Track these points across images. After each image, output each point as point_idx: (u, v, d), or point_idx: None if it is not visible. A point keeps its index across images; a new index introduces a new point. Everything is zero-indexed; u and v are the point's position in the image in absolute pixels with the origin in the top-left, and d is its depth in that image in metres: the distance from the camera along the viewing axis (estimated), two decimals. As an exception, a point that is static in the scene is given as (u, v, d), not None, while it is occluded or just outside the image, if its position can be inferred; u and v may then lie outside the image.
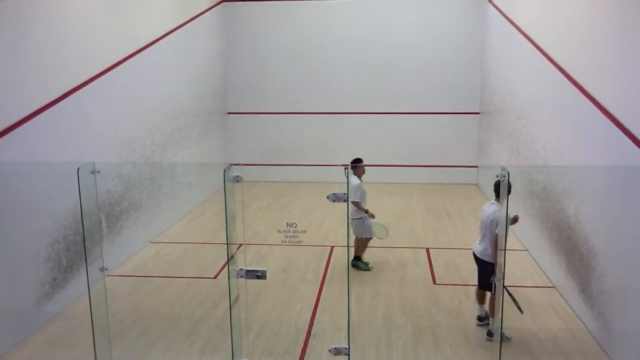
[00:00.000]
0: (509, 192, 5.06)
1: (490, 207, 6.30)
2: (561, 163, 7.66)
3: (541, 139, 8.59)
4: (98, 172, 5.31)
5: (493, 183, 6.23)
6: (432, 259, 8.74)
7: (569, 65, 7.53)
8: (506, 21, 11.05)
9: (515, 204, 9.20)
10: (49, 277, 6.74)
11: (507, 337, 6.07)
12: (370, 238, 8.35)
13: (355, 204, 8.05)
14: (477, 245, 6.43)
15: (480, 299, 6.59)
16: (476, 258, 6.48)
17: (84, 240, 5.40)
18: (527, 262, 8.64)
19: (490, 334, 6.23)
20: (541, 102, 8.71)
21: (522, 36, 9.78)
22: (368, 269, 8.32)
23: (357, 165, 8.32)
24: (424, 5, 13.87)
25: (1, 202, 5.98)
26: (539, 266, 8.41)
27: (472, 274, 8.12)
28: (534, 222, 8.68)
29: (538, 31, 9.04)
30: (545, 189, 8.18)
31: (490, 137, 12.67)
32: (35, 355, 5.98)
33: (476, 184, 14.15)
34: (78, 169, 5.07)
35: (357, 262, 8.39)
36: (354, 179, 8.19)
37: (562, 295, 7.32)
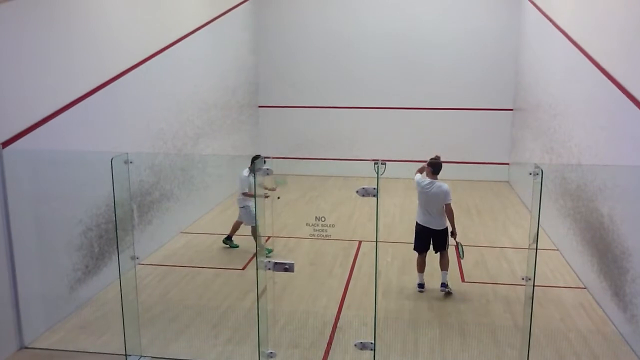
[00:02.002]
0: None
1: (433, 185, 7.09)
2: (596, 161, 7.49)
3: (576, 136, 8.42)
4: (131, 162, 5.40)
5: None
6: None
7: (605, 61, 7.35)
8: (542, 16, 10.84)
9: (548, 203, 9.07)
10: (81, 264, 6.89)
11: (449, 291, 7.24)
12: (254, 225, 8.81)
13: (247, 194, 8.69)
14: (433, 220, 7.15)
15: (422, 267, 7.38)
16: (431, 231, 7.19)
17: (116, 229, 5.51)
18: (558, 261, 8.49)
19: (444, 285, 7.23)
20: (577, 98, 8.53)
21: (558, 31, 9.58)
22: (236, 246, 9.10)
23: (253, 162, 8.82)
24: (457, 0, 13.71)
25: (37, 189, 6.12)
26: (570, 266, 8.26)
27: (501, 272, 8.06)
28: (566, 222, 8.53)
29: (574, 26, 8.84)
30: (579, 188, 8.02)
31: (523, 134, 12.47)
32: (67, 339, 6.12)
33: (508, 182, 13.96)
34: (112, 159, 5.17)
35: (228, 241, 9.15)
36: (246, 171, 8.82)
37: (593, 297, 7.19)
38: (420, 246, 7.36)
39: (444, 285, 7.24)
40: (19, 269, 5.82)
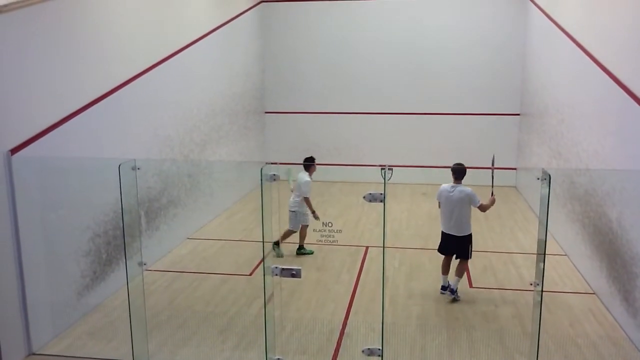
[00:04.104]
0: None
1: (455, 190, 7.19)
2: (604, 166, 7.46)
3: (583, 141, 8.38)
4: (138, 168, 5.43)
5: (455, 168, 7.39)
6: (468, 262, 8.61)
7: (613, 65, 7.33)
8: (548, 21, 10.82)
9: (556, 207, 9.03)
10: (89, 270, 6.91)
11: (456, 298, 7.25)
12: (307, 225, 8.93)
13: (307, 200, 8.67)
14: (453, 227, 7.22)
15: (446, 270, 7.40)
16: (453, 237, 7.24)
17: (124, 235, 5.53)
18: (567, 267, 8.44)
19: (452, 292, 7.25)
20: (584, 103, 8.50)
21: (564, 36, 9.57)
22: (311, 252, 9.00)
23: (311, 164, 8.92)
24: (463, 5, 13.70)
25: (45, 196, 6.15)
26: (578, 271, 8.21)
27: (509, 277, 8.02)
28: (574, 227, 8.48)
29: (581, 31, 8.82)
30: (587, 193, 7.98)
31: (530, 139, 12.43)
32: (75, 345, 6.14)
33: (515, 187, 13.91)
34: (119, 165, 5.19)
35: (302, 250, 9.01)
36: (306, 175, 8.77)
37: (602, 302, 7.13)
38: (443, 249, 7.45)
39: (452, 291, 7.24)
40: (27, 275, 5.84)
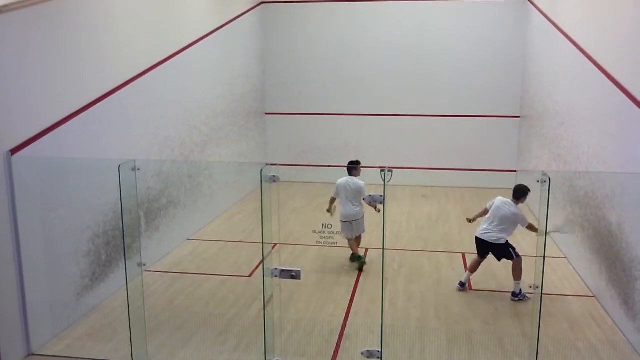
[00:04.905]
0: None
1: (509, 205, 7.39)
2: (604, 169, 7.46)
3: (583, 144, 8.38)
4: (138, 169, 5.43)
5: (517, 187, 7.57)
6: (468, 265, 8.61)
7: (613, 68, 7.33)
8: (548, 23, 10.83)
9: (556, 210, 9.02)
10: (88, 270, 6.90)
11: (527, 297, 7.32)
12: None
13: (374, 205, 8.37)
14: (491, 235, 7.41)
15: (473, 269, 7.68)
16: (487, 243, 7.45)
17: (124, 236, 5.53)
18: (566, 269, 8.44)
19: (515, 295, 7.34)
20: (584, 106, 8.50)
21: (565, 38, 9.57)
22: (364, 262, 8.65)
23: (355, 167, 8.78)
24: (464, 8, 13.70)
25: (45, 196, 6.15)
26: (578, 274, 8.21)
27: (509, 280, 7.99)
28: (574, 229, 8.48)
29: (581, 33, 8.82)
30: (587, 196, 7.98)
31: (530, 141, 12.43)
32: (74, 346, 6.13)
33: (515, 189, 13.90)
34: (119, 166, 5.19)
35: (360, 259, 8.62)
36: (358, 180, 8.59)
37: (602, 305, 7.13)
38: (477, 251, 7.69)
39: (514, 294, 7.37)
40: (26, 275, 5.84)
